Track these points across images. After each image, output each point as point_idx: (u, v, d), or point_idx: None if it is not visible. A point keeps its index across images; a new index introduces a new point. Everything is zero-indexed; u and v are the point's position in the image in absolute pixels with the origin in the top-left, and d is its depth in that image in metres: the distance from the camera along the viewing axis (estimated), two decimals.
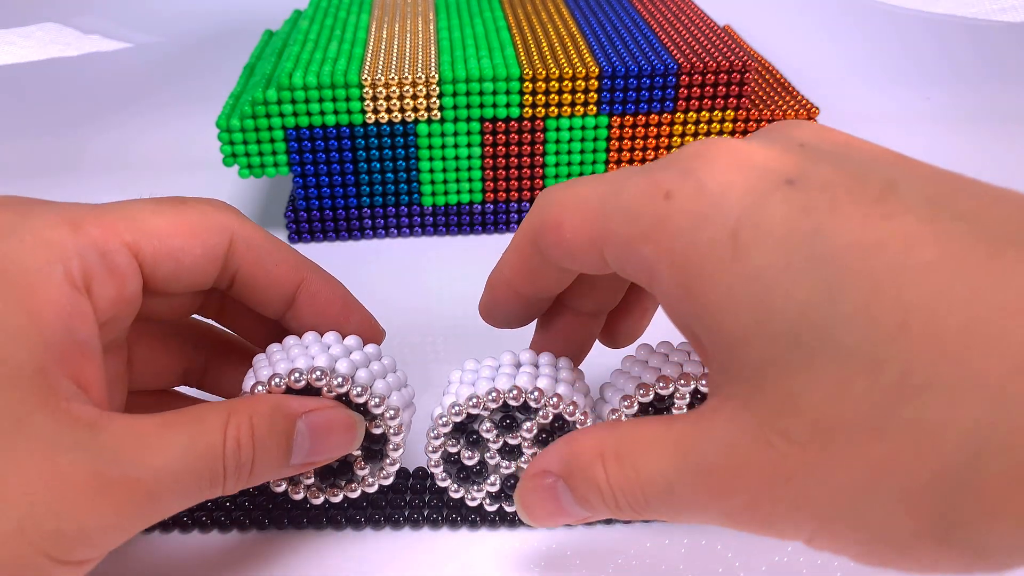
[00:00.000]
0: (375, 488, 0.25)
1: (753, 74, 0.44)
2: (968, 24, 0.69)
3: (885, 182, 0.16)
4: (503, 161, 0.41)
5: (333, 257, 0.41)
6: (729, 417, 0.17)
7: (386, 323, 0.27)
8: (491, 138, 0.40)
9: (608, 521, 0.26)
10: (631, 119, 0.40)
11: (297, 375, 0.23)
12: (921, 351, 0.14)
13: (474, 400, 0.23)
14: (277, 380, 0.23)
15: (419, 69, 0.39)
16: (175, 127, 0.55)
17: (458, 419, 0.24)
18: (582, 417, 0.23)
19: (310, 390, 0.23)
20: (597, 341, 0.26)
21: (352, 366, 0.23)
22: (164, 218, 0.22)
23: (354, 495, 0.25)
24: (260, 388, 0.23)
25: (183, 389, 0.27)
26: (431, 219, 0.42)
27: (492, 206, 0.42)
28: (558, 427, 0.24)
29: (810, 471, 0.16)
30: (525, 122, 0.40)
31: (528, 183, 0.42)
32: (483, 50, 0.40)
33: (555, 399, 0.23)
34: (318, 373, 0.23)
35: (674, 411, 0.22)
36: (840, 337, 0.15)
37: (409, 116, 0.39)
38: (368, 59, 0.40)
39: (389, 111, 0.39)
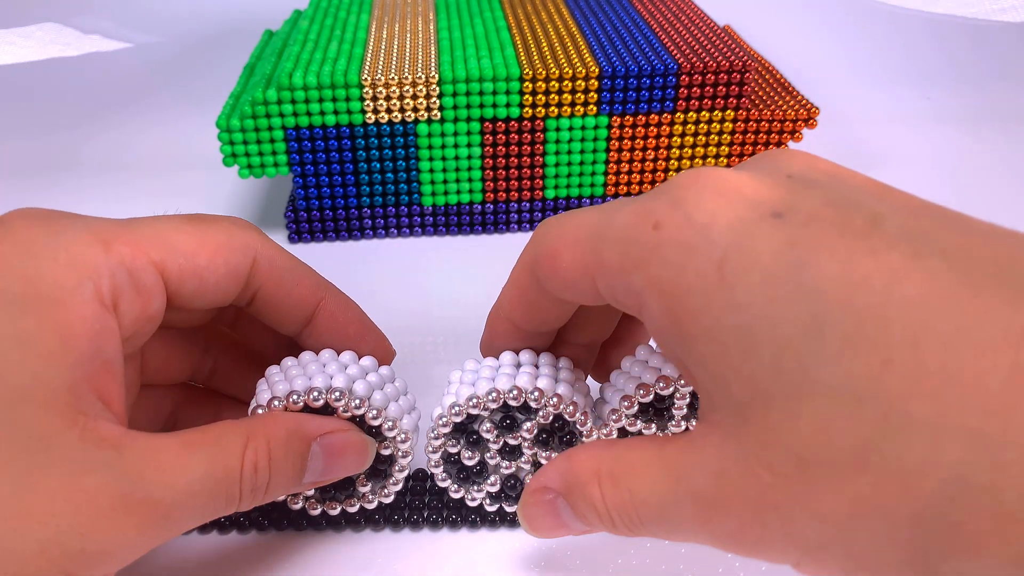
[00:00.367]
0: (375, 505, 0.25)
1: (753, 74, 0.44)
2: (968, 24, 0.69)
3: (871, 216, 0.16)
4: (503, 161, 0.41)
5: (333, 257, 0.41)
6: (717, 445, 0.17)
7: (386, 323, 0.27)
8: (491, 138, 0.40)
9: None
10: (631, 119, 0.40)
11: (316, 394, 0.23)
12: (902, 389, 0.14)
13: (474, 400, 0.23)
14: (295, 397, 0.23)
15: (419, 69, 0.39)
16: (175, 127, 0.55)
17: (458, 419, 0.24)
18: (582, 417, 0.23)
19: (327, 409, 0.23)
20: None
21: (369, 388, 0.24)
22: (190, 237, 0.22)
23: (352, 510, 0.25)
24: (277, 403, 0.23)
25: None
26: (431, 219, 0.42)
27: (492, 206, 0.42)
28: (558, 427, 0.24)
29: (795, 502, 0.16)
30: (525, 122, 0.40)
31: (528, 183, 0.42)
32: (483, 50, 0.40)
33: (555, 399, 0.23)
34: (337, 394, 0.23)
35: (674, 411, 0.22)
36: (824, 373, 0.15)
37: (409, 116, 0.39)
38: (368, 59, 0.40)
39: (389, 111, 0.39)
